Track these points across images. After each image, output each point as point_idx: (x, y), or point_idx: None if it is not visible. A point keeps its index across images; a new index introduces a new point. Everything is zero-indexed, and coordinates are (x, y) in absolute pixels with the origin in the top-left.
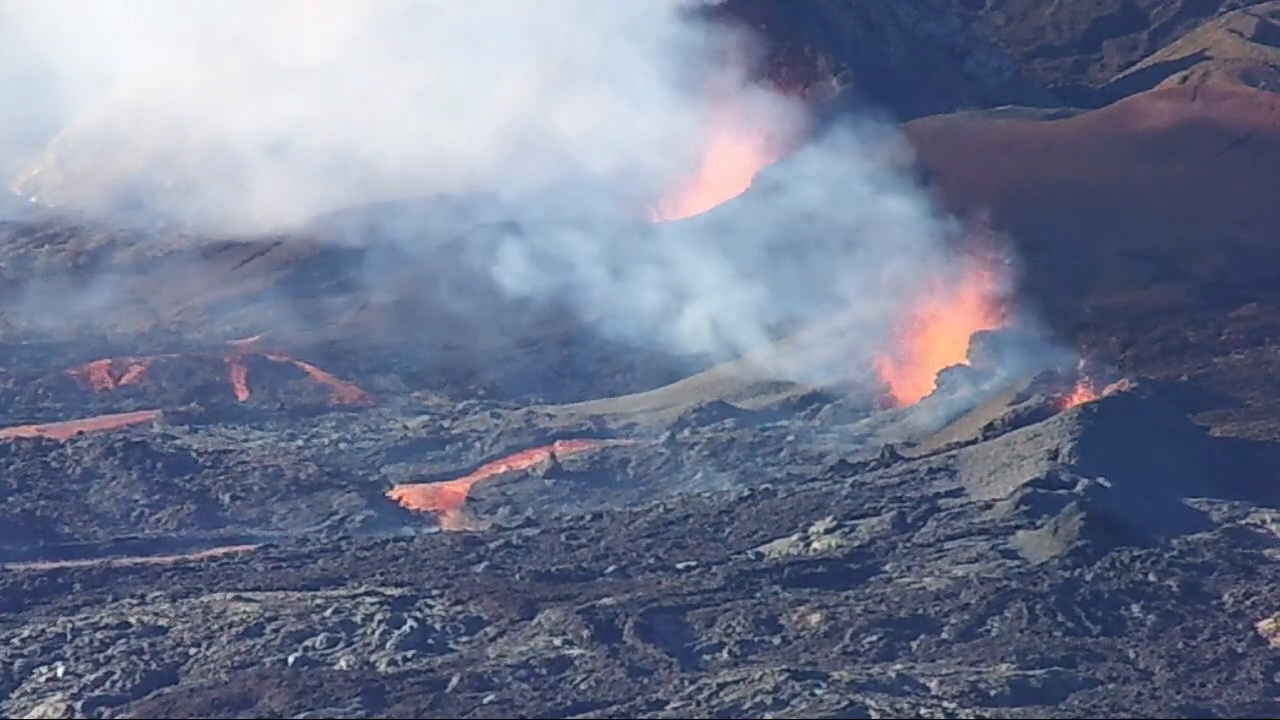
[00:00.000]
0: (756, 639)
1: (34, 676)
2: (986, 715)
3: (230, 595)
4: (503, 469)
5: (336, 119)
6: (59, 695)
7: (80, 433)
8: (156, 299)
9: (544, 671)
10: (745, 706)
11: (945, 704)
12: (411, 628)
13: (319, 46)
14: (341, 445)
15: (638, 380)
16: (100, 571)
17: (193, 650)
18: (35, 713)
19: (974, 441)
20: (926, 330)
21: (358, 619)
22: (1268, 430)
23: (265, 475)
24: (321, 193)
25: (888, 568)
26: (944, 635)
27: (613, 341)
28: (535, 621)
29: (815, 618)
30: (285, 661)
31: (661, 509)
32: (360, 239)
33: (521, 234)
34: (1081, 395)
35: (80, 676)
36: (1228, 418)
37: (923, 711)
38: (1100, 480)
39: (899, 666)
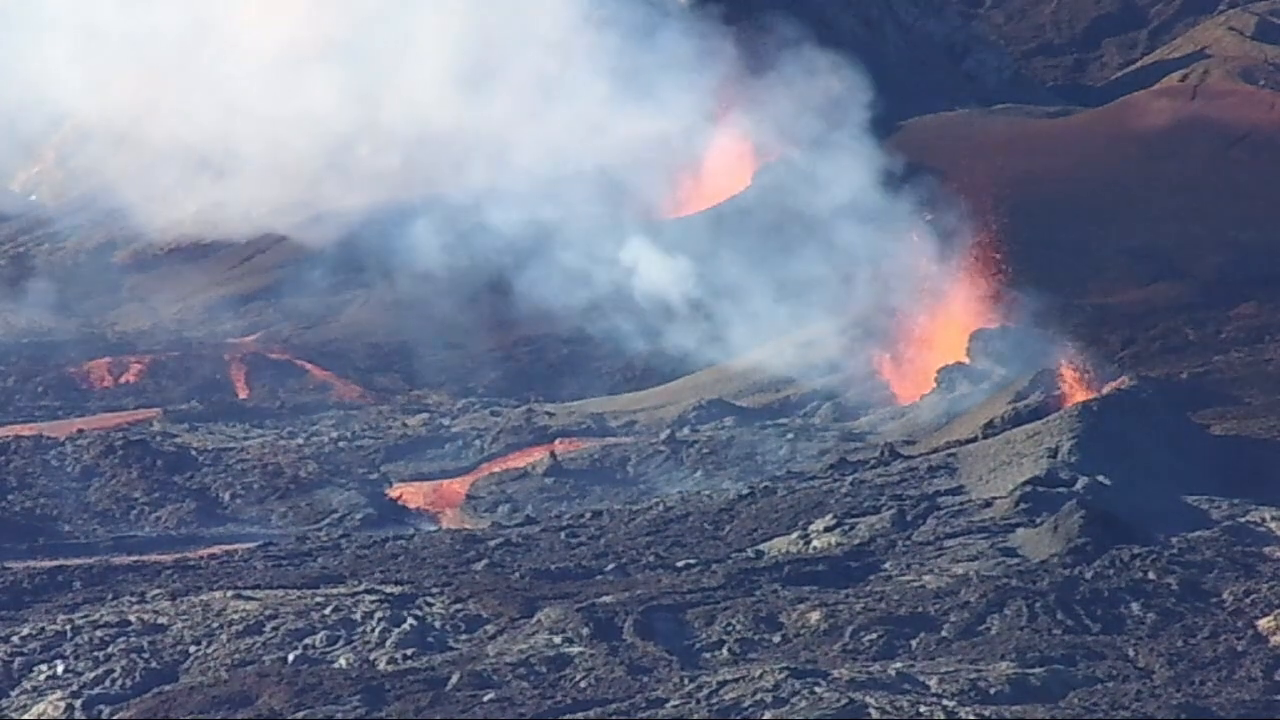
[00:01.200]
0: (756, 637)
1: (34, 674)
2: (986, 713)
3: (230, 593)
4: (502, 467)
5: (326, 119)
6: (59, 693)
7: (80, 431)
8: (157, 297)
9: (544, 669)
10: (745, 704)
11: (945, 702)
12: (411, 626)
13: (303, 48)
14: (341, 443)
15: (637, 379)
16: (100, 569)
17: (192, 648)
18: (35, 711)
19: (974, 439)
20: (926, 328)
21: (357, 617)
22: (1267, 428)
23: (265, 473)
24: (316, 193)
25: (887, 566)
26: (944, 633)
27: (604, 341)
28: (535, 619)
29: (815, 616)
30: (285, 659)
31: (661, 507)
32: (357, 238)
33: (516, 232)
34: (1077, 388)
35: (80, 674)
36: (1227, 416)
37: (922, 710)
38: (1100, 478)
39: (899, 664)
